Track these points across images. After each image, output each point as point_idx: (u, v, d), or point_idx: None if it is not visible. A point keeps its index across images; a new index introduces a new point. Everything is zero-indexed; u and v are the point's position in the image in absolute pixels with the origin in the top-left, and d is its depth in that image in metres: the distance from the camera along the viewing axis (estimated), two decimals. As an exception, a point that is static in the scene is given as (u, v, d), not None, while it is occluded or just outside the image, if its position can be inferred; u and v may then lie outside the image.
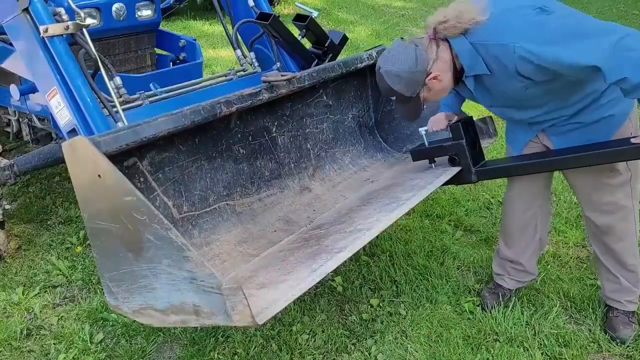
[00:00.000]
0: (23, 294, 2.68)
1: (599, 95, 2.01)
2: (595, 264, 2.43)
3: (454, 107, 2.44)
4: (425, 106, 2.19)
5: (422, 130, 2.41)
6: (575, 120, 2.08)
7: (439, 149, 2.39)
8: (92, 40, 2.46)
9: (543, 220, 2.47)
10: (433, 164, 2.42)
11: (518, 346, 2.31)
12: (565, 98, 2.01)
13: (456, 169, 2.34)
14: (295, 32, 3.12)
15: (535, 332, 2.39)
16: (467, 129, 2.34)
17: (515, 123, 2.29)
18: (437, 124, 2.42)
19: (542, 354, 2.28)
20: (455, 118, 2.39)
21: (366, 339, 2.37)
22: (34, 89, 2.83)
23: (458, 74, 2.06)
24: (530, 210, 2.41)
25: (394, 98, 2.11)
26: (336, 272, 2.73)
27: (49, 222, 3.32)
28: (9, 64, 2.87)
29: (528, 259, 2.50)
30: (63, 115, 2.42)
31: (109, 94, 2.47)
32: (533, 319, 2.45)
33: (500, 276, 2.58)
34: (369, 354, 2.29)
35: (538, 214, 2.43)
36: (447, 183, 2.33)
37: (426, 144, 2.43)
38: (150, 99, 2.66)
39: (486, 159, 2.41)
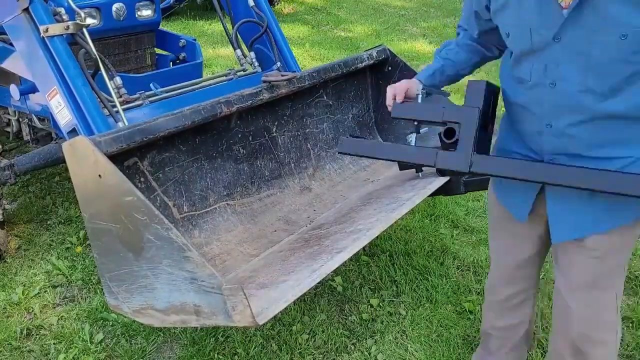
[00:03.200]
0: (23, 294, 2.68)
1: None
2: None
3: (437, 79, 1.83)
4: None
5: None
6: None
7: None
8: (92, 40, 2.46)
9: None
10: (420, 174, 2.15)
11: (518, 346, 2.31)
12: None
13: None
14: (296, 30, 3.11)
15: (534, 332, 2.39)
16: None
17: (520, 147, 1.59)
18: (401, 92, 1.80)
19: (541, 354, 2.28)
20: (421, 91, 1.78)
21: (366, 339, 2.37)
22: (34, 89, 2.83)
23: None
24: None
25: None
26: (336, 272, 2.73)
27: (49, 222, 3.32)
28: (9, 64, 2.87)
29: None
30: (63, 115, 2.42)
31: (109, 94, 2.47)
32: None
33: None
34: (369, 354, 2.30)
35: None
36: (435, 194, 1.91)
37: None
38: (150, 99, 2.66)
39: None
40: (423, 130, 1.88)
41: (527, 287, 1.85)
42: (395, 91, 1.80)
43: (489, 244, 1.92)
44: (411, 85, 1.80)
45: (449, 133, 1.63)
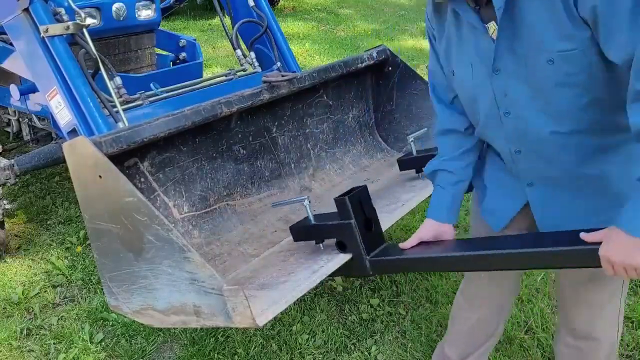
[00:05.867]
0: (23, 294, 2.68)
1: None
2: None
3: (454, 212, 1.67)
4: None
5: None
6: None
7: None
8: (92, 40, 2.46)
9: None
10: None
11: (518, 346, 2.31)
12: (614, 112, 1.28)
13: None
14: (296, 30, 3.12)
15: (534, 332, 2.39)
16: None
17: (498, 170, 1.58)
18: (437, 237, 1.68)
19: (541, 354, 2.28)
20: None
21: (366, 339, 2.37)
22: (34, 89, 2.84)
23: None
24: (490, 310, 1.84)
25: None
26: (336, 272, 2.73)
27: (49, 222, 3.32)
28: (9, 64, 2.87)
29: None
30: (63, 116, 2.42)
31: (109, 94, 2.47)
32: (533, 319, 2.45)
33: None
34: (369, 354, 2.30)
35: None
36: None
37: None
38: (150, 99, 2.66)
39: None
40: (422, 131, 1.85)
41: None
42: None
43: None
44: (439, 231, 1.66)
45: (341, 246, 1.70)
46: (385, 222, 1.92)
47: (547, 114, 1.31)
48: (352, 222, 1.64)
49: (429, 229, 1.63)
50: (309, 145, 2.62)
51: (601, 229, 1.23)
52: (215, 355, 2.29)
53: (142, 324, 2.09)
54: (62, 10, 2.46)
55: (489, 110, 1.41)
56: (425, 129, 2.54)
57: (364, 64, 2.68)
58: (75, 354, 2.31)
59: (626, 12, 1.10)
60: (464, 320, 1.89)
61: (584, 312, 1.62)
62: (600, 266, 1.20)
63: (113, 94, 2.47)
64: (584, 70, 1.22)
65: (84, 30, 2.45)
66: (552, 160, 1.39)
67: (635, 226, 1.11)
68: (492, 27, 1.32)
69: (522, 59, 1.28)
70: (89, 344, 2.36)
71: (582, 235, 1.24)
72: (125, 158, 1.88)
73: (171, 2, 4.28)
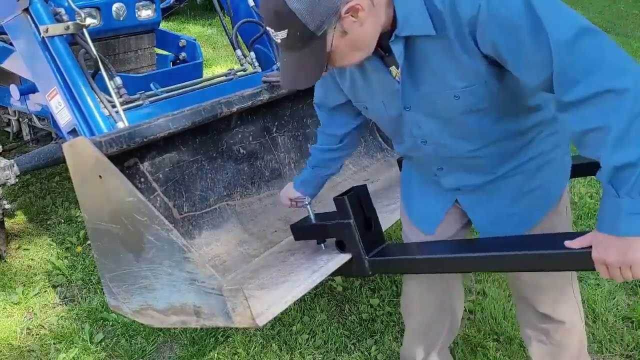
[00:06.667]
0: (23, 294, 2.68)
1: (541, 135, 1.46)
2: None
3: (310, 188, 1.88)
4: (329, 69, 1.35)
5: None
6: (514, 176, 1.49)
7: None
8: (92, 40, 2.46)
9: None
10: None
11: (518, 346, 2.31)
12: (518, 120, 1.40)
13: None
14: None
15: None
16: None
17: (424, 181, 1.65)
18: (281, 199, 1.94)
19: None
20: (307, 199, 1.84)
21: (366, 339, 2.37)
22: (34, 89, 2.84)
23: (385, 34, 1.30)
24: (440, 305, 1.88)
25: (279, 35, 1.21)
26: (336, 272, 2.73)
27: (49, 222, 3.32)
28: (9, 64, 2.87)
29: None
30: (63, 116, 2.42)
31: (109, 94, 2.47)
32: (533, 319, 2.45)
33: None
34: (369, 354, 2.30)
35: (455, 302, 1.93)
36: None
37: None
38: (150, 99, 2.66)
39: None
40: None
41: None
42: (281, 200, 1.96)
43: None
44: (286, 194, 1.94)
45: (341, 245, 1.70)
46: (385, 222, 1.92)
47: (460, 138, 1.42)
48: (351, 221, 1.64)
49: (286, 189, 1.94)
50: (309, 145, 2.61)
51: (583, 233, 1.26)
52: (215, 355, 2.29)
53: (142, 324, 2.09)
54: (62, 10, 2.46)
55: (408, 138, 1.50)
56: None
57: (364, 64, 2.68)
58: (75, 354, 2.32)
59: (527, 36, 1.12)
60: (414, 322, 1.96)
61: (543, 297, 1.68)
62: (594, 269, 1.22)
63: (113, 94, 2.47)
64: (487, 98, 1.30)
65: (84, 30, 2.44)
66: (472, 171, 1.51)
67: (618, 226, 1.12)
68: (395, 70, 1.37)
69: (428, 97, 1.35)
70: (89, 344, 2.36)
71: (567, 243, 1.27)
72: (125, 158, 1.88)
73: (171, 2, 4.28)
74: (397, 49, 1.29)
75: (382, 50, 1.34)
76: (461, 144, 1.42)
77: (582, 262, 1.25)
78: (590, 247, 1.21)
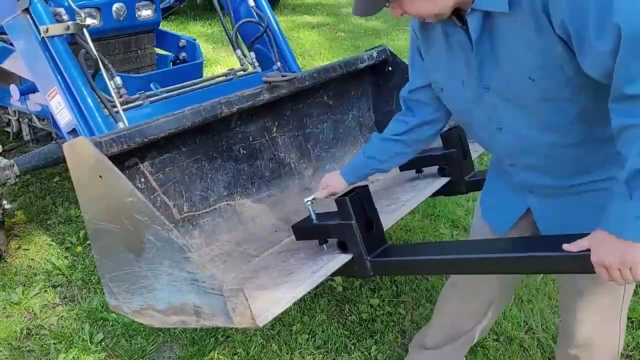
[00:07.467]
0: (23, 294, 2.68)
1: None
2: None
3: (359, 175, 1.91)
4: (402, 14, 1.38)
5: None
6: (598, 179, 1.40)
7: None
8: (92, 40, 2.46)
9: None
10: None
11: (518, 346, 2.31)
12: (601, 126, 1.30)
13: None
14: (296, 29, 3.11)
15: (534, 332, 2.39)
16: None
17: (502, 173, 1.61)
18: (330, 188, 1.89)
19: (541, 354, 2.28)
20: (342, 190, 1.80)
21: (366, 339, 2.37)
22: (34, 89, 2.84)
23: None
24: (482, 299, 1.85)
25: None
26: (336, 272, 2.73)
27: (49, 222, 3.32)
28: (9, 64, 2.87)
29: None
30: (63, 116, 2.42)
31: (109, 94, 2.47)
32: (533, 319, 2.45)
33: None
34: (369, 354, 2.30)
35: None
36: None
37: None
38: (150, 99, 2.66)
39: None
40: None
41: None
42: (321, 191, 1.92)
43: None
44: (336, 182, 1.91)
45: (342, 246, 1.70)
46: (386, 222, 1.91)
47: (537, 129, 1.35)
48: (353, 222, 1.64)
49: (332, 176, 1.92)
50: (309, 145, 2.62)
51: (582, 235, 1.24)
52: (215, 355, 2.29)
53: (142, 324, 2.09)
54: (62, 11, 2.46)
55: (483, 125, 1.46)
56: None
57: (364, 64, 2.68)
58: (75, 354, 2.32)
59: (593, 20, 1.10)
60: (449, 311, 1.95)
61: (583, 318, 1.61)
62: (594, 272, 1.21)
63: (113, 94, 2.47)
64: (564, 85, 1.25)
65: (84, 30, 2.44)
66: (544, 172, 1.44)
67: (623, 228, 1.11)
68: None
69: (506, 78, 1.32)
70: (89, 344, 2.36)
71: (565, 246, 1.25)
72: (125, 158, 1.87)
73: (171, 2, 4.28)
74: (473, 21, 1.28)
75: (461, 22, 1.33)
76: (537, 137, 1.36)
77: (581, 264, 1.24)
78: (588, 250, 1.20)
